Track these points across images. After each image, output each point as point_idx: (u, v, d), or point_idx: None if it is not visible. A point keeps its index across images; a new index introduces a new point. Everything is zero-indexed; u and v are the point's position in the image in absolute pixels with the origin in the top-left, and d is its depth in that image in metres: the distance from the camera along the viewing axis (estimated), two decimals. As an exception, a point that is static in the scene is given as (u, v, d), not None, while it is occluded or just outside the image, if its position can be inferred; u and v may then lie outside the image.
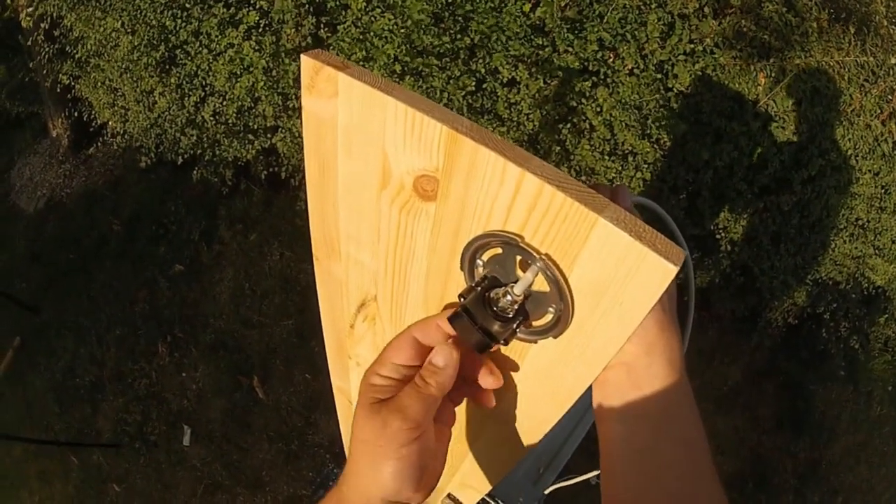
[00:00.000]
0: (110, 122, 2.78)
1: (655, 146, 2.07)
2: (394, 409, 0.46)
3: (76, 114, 3.02)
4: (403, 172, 0.43)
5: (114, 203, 3.26)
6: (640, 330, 0.42)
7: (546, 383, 0.48)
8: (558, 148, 2.13)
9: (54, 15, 2.40)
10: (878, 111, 2.00)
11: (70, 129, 3.40)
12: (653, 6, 1.93)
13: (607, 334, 0.40)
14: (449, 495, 0.89)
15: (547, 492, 1.14)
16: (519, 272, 0.41)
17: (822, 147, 2.08)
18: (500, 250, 0.42)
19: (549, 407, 0.50)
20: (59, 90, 2.80)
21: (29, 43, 2.62)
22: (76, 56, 2.58)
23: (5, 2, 2.53)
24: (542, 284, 0.40)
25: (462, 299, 0.43)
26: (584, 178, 2.21)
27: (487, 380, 0.50)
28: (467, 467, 0.75)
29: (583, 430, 1.19)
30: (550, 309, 0.41)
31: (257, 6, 2.09)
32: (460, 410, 0.61)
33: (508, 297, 0.41)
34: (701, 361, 2.70)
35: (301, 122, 2.36)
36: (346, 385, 0.87)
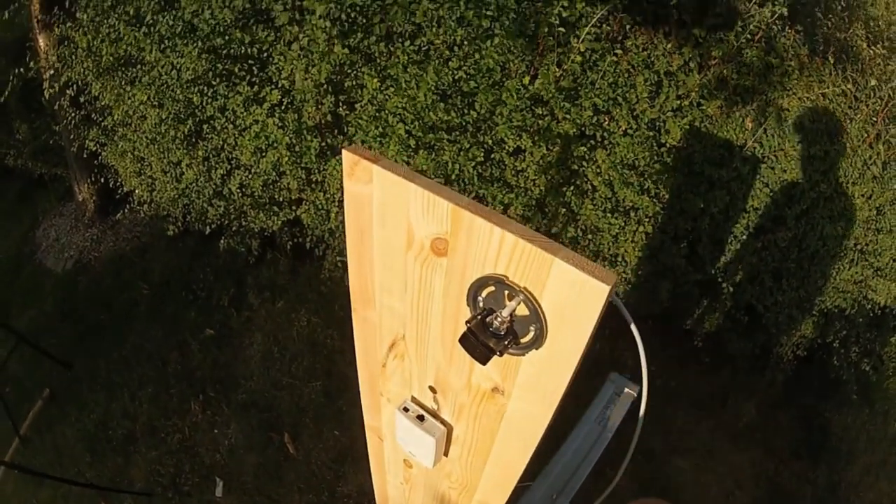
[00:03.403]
0: (137, 191, 2.85)
1: (654, 200, 2.18)
2: None
3: (102, 180, 3.08)
4: (423, 236, 0.60)
5: (143, 268, 3.39)
6: None
7: (538, 386, 0.63)
8: (564, 210, 2.25)
9: (80, 82, 2.48)
10: (864, 135, 2.07)
11: (96, 193, 3.46)
12: (640, 68, 2.06)
13: (573, 342, 0.56)
14: (471, 517, 0.99)
15: (561, 516, 1.23)
16: (507, 301, 0.58)
17: (811, 180, 2.16)
18: (493, 287, 0.59)
19: (542, 406, 0.65)
20: (85, 155, 2.86)
21: (56, 107, 2.68)
22: (103, 124, 2.65)
23: (28, 64, 2.58)
24: (524, 311, 0.56)
25: (468, 325, 0.60)
26: (589, 236, 2.31)
27: None
28: (485, 481, 0.87)
29: (594, 456, 1.29)
30: (532, 328, 0.57)
31: (280, 85, 2.21)
32: (476, 422, 0.75)
33: (499, 320, 0.58)
34: (715, 402, 2.77)
35: (324, 196, 2.52)
36: (378, 423, 1.00)
